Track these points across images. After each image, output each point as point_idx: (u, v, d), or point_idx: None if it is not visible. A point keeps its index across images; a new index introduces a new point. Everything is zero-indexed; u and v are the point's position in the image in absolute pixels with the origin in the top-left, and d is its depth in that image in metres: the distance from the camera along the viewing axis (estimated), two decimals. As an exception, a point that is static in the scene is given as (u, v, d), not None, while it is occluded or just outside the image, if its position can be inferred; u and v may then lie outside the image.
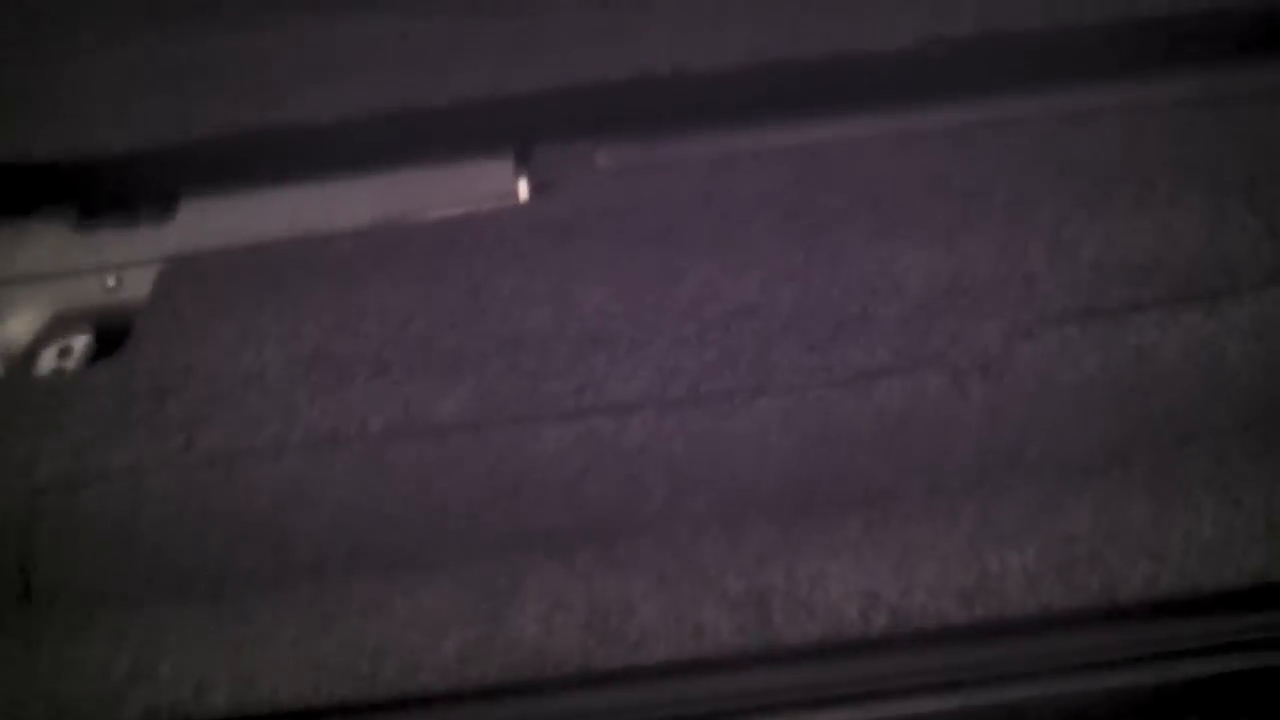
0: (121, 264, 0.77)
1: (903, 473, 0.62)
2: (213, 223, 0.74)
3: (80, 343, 0.76)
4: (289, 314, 0.70)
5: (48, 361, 0.76)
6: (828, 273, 0.69)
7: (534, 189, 0.74)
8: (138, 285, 0.76)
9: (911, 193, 0.73)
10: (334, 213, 0.73)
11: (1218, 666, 0.57)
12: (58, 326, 0.77)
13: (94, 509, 0.66)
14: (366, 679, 0.59)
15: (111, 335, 0.76)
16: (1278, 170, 0.72)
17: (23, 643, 0.61)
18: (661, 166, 0.75)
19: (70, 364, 0.75)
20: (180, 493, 0.66)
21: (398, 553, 0.63)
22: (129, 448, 0.67)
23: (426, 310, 0.70)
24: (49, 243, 0.78)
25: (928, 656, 0.57)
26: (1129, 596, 0.56)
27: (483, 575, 0.61)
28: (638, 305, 0.69)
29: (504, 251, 0.71)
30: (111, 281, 0.77)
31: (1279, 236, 0.70)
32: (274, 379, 0.68)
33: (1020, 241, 0.70)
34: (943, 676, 0.57)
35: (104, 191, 0.80)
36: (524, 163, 0.74)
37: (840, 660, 0.57)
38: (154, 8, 0.80)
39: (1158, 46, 0.78)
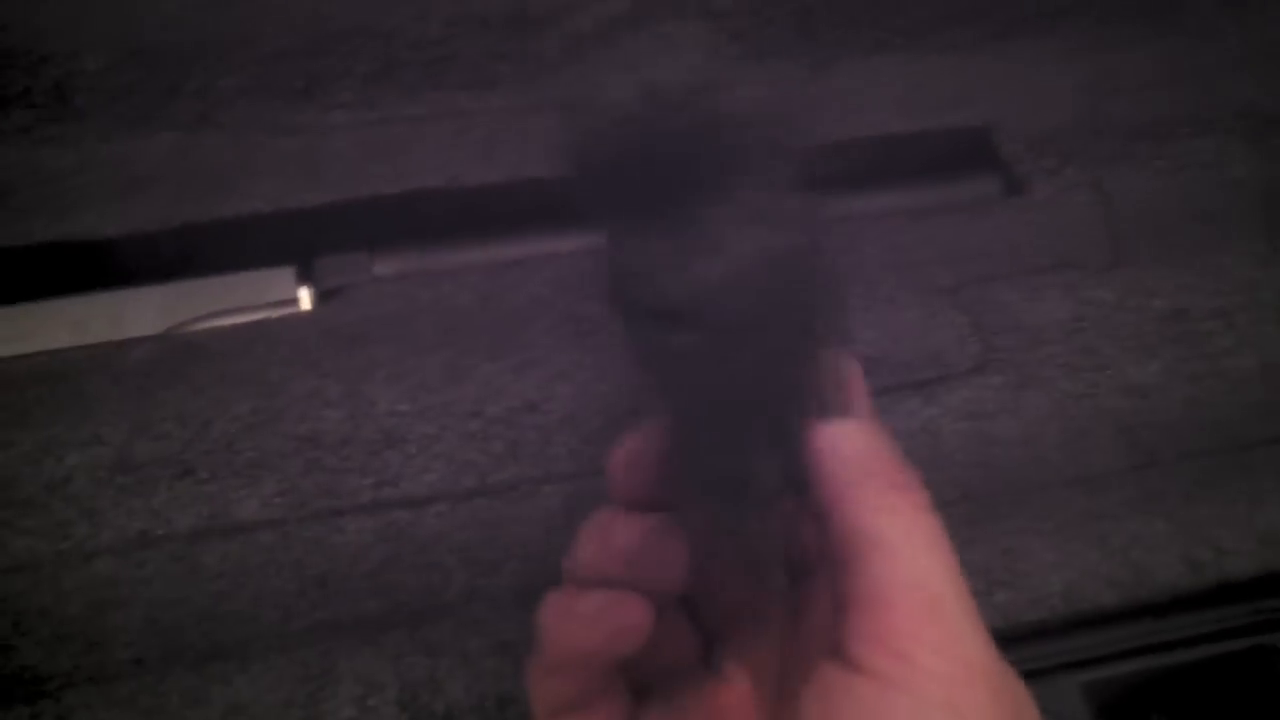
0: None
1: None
2: (2, 332, 0.75)
3: None
4: (88, 421, 0.72)
5: None
6: (598, 372, 0.75)
7: (318, 297, 0.78)
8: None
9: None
10: (124, 322, 0.75)
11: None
12: None
13: (-97, 620, 0.67)
14: (190, 768, 0.63)
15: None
16: (977, 273, 0.83)
17: None
18: (439, 274, 0.79)
19: None
20: (-10, 599, 0.67)
21: (214, 646, 0.66)
22: (-67, 557, 0.68)
23: (225, 413, 0.73)
24: None
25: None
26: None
27: (297, 662, 0.65)
28: (427, 404, 0.74)
29: (296, 357, 0.75)
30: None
31: (981, 331, 0.80)
32: (78, 485, 0.70)
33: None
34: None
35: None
36: (306, 273, 0.78)
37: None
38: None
39: (874, 163, 0.88)
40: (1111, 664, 0.71)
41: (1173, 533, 0.73)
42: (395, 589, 0.68)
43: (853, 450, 0.37)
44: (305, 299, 0.77)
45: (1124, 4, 0.94)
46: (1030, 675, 0.71)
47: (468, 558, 0.69)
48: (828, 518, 0.37)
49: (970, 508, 0.74)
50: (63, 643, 0.66)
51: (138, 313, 0.76)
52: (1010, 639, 0.70)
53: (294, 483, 0.71)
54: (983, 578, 0.71)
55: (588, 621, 0.40)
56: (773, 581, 0.38)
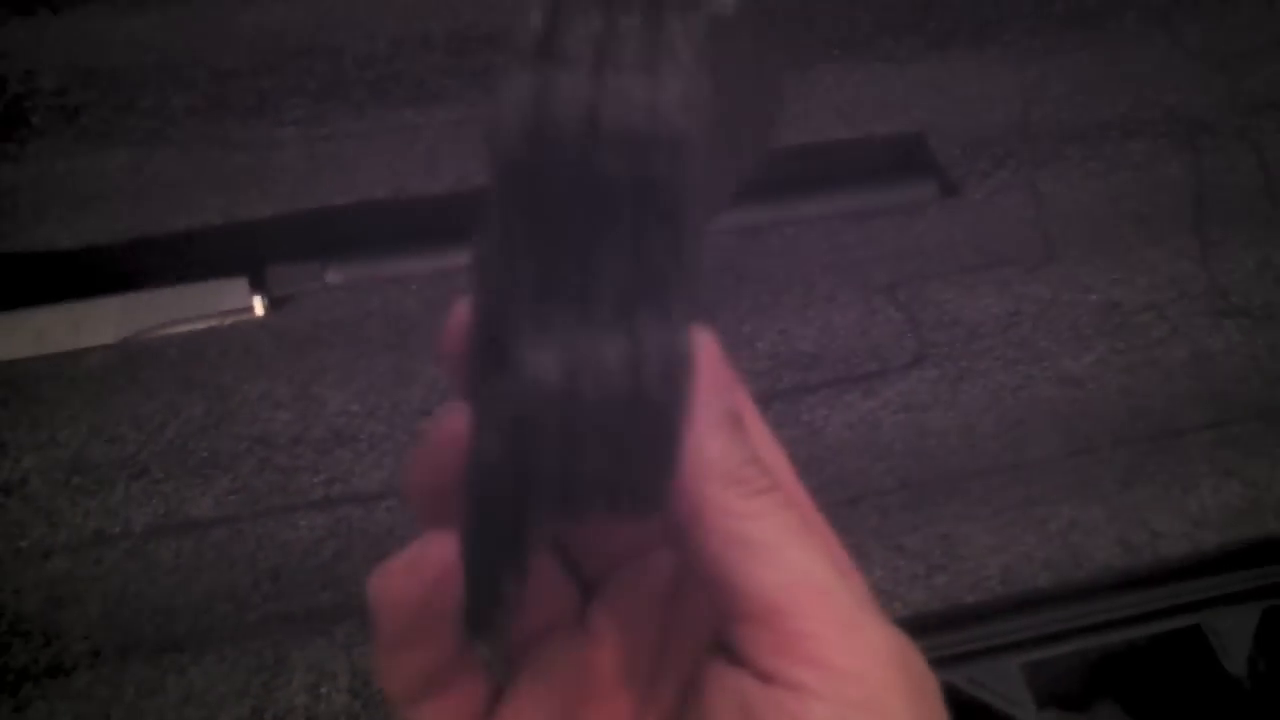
0: None
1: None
2: (-40, 344, 0.77)
3: None
4: (44, 424, 0.73)
5: None
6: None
7: (270, 305, 0.80)
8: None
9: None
10: (79, 331, 0.77)
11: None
12: None
13: None
14: (148, 757, 0.64)
15: None
16: (913, 272, 0.85)
17: None
18: (386, 281, 0.81)
19: None
20: (-52, 597, 0.68)
21: (169, 638, 0.67)
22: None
23: (179, 416, 0.74)
24: None
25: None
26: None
27: (251, 653, 0.66)
28: (376, 405, 0.76)
29: (248, 361, 0.76)
30: None
31: (918, 326, 0.82)
32: (35, 486, 0.71)
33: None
34: None
35: None
36: (259, 281, 0.80)
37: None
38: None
39: (813, 169, 0.91)
40: (1051, 644, 0.73)
41: (1108, 517, 0.75)
42: (347, 581, 0.70)
43: (711, 458, 0.33)
44: (258, 306, 0.79)
45: (1055, 13, 0.97)
46: (971, 656, 0.73)
47: (418, 550, 0.71)
48: (690, 531, 0.33)
49: (909, 495, 0.76)
50: (20, 638, 0.67)
51: (95, 322, 0.78)
52: (950, 621, 0.72)
53: (246, 481, 0.72)
54: (922, 562, 0.72)
55: (405, 571, 0.35)
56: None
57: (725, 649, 0.34)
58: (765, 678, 0.32)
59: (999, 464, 0.77)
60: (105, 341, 0.77)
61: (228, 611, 0.69)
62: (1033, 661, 0.73)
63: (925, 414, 0.79)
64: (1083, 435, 0.79)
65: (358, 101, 0.85)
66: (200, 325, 0.78)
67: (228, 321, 0.78)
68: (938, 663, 0.70)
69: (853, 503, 0.75)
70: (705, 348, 0.33)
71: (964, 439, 0.78)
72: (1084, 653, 0.75)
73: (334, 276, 0.81)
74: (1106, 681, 0.83)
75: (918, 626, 0.70)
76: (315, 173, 0.83)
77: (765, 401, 0.78)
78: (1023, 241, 0.87)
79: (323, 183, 0.83)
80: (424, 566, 0.34)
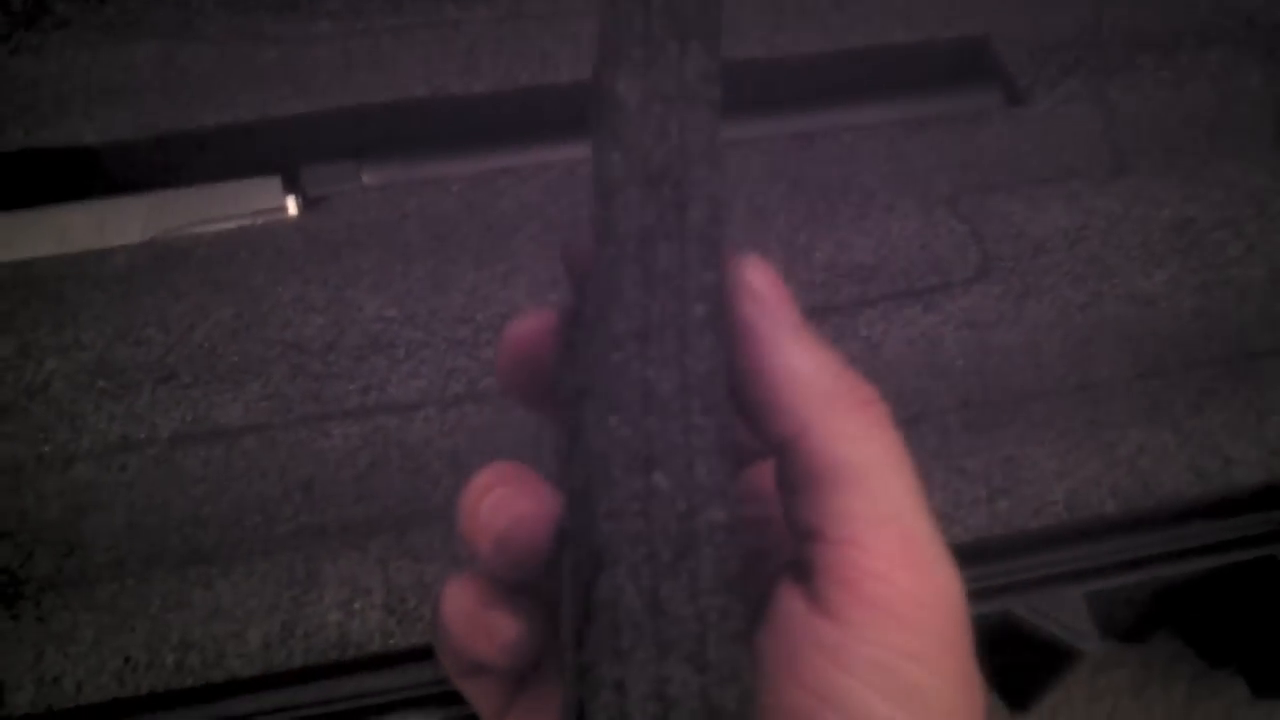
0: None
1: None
2: (-19, 241, 0.74)
3: None
4: (68, 326, 0.70)
5: None
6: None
7: (304, 205, 0.76)
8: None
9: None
10: (105, 231, 0.74)
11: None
12: None
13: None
14: (172, 670, 0.61)
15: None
16: (977, 183, 0.81)
17: None
18: (424, 183, 0.78)
19: None
20: (-33, 503, 0.66)
21: (195, 550, 0.65)
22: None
23: (208, 319, 0.71)
24: None
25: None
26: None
27: (281, 567, 0.64)
28: (414, 311, 0.73)
29: (280, 263, 0.73)
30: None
31: (982, 239, 0.78)
32: (58, 390, 0.69)
33: (759, 249, 0.76)
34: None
35: None
36: (292, 181, 0.77)
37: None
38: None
39: (871, 74, 0.87)
40: (1117, 574, 0.70)
41: (1179, 442, 0.71)
42: (382, 494, 0.67)
43: (806, 375, 0.32)
44: (291, 206, 0.76)
45: (1130, -86, 0.92)
46: (1033, 584, 0.70)
47: (456, 463, 0.68)
48: (788, 442, 0.32)
49: (970, 416, 0.72)
50: (43, 546, 0.64)
51: (121, 221, 0.75)
52: (1011, 547, 0.69)
53: (278, 388, 0.70)
54: (984, 485, 0.69)
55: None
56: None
57: (796, 565, 0.33)
58: (823, 607, 0.31)
59: (1065, 385, 0.74)
60: (132, 241, 0.74)
61: (257, 523, 0.66)
62: (1096, 591, 0.70)
63: (988, 331, 0.75)
64: (1153, 356, 0.75)
65: (396, -6, 0.82)
66: (231, 225, 0.74)
67: (259, 222, 0.75)
68: (997, 590, 0.68)
69: (911, 422, 0.72)
70: (761, 267, 0.33)
71: (1028, 358, 0.74)
72: (1150, 583, 0.72)
73: (370, 177, 0.77)
74: (1166, 612, 0.80)
75: (977, 552, 0.68)
76: (351, 69, 0.80)
77: (822, 315, 0.74)
78: (1092, 153, 0.83)
79: (359, 80, 0.80)
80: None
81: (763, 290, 0.33)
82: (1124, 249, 0.79)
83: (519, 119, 0.81)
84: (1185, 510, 0.71)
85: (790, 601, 0.32)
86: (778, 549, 0.36)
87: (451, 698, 0.60)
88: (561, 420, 0.32)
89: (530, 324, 0.35)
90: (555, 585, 0.32)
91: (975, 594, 0.66)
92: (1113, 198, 0.81)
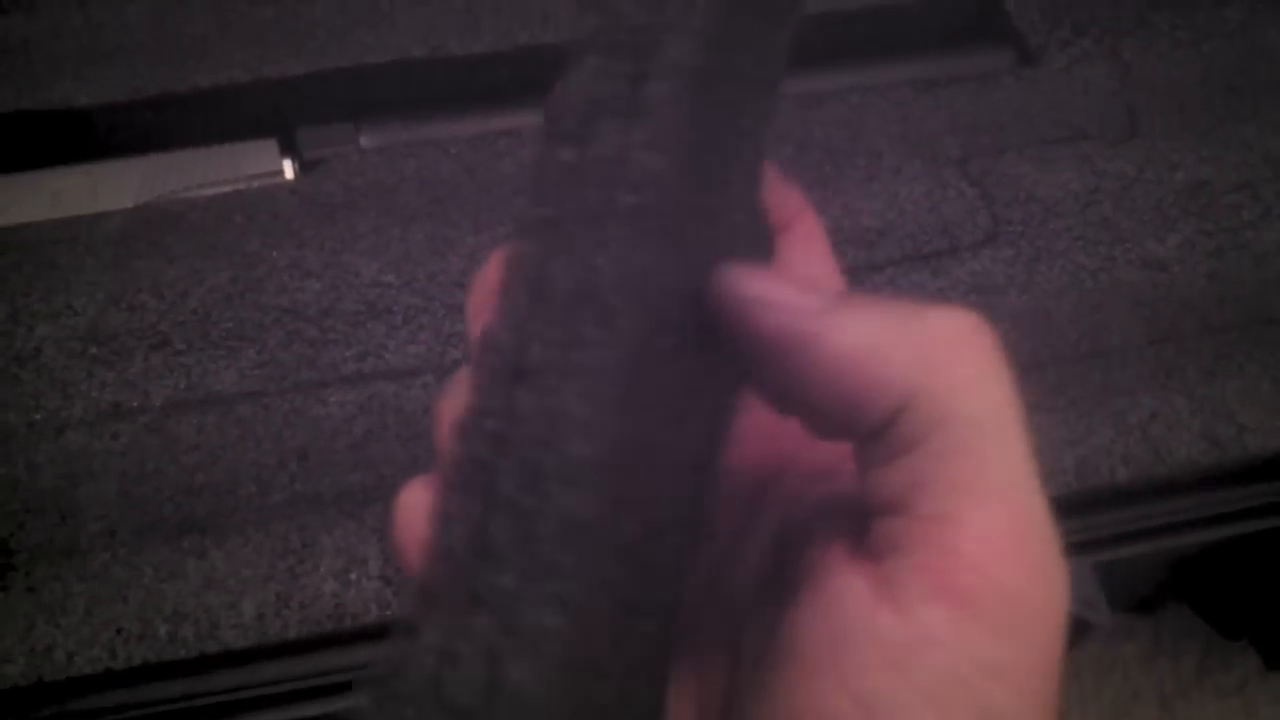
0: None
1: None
2: (-29, 205, 0.73)
3: None
4: (60, 291, 0.69)
5: None
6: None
7: (301, 168, 0.75)
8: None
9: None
10: (98, 195, 0.73)
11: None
12: None
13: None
14: (165, 641, 0.60)
15: None
16: (987, 145, 0.79)
17: None
18: (423, 145, 0.76)
19: None
20: (-42, 471, 0.65)
21: (189, 519, 0.64)
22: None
23: (202, 284, 0.70)
24: None
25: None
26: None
27: (276, 536, 0.63)
28: (411, 276, 0.71)
29: (276, 227, 0.72)
30: None
31: (991, 203, 0.77)
32: (50, 356, 0.68)
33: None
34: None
35: None
36: (289, 143, 0.75)
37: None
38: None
39: (880, 33, 0.85)
40: (1128, 544, 0.68)
41: (1192, 409, 0.70)
42: (378, 462, 0.66)
43: (874, 336, 0.26)
44: (288, 169, 0.75)
45: None
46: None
47: (454, 431, 0.67)
48: (889, 421, 0.26)
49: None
50: (33, 515, 0.63)
51: (114, 185, 0.73)
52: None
53: (273, 354, 0.68)
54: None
55: None
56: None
57: (860, 538, 0.27)
58: (891, 594, 0.25)
59: (1076, 351, 0.72)
60: (125, 205, 0.73)
61: (252, 492, 0.65)
62: (1107, 561, 0.69)
63: (998, 296, 0.74)
64: (1166, 322, 0.74)
65: (394, -50, 0.80)
66: (226, 189, 0.73)
67: (255, 185, 0.74)
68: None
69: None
70: (748, 272, 0.28)
71: (1039, 323, 0.73)
72: (1162, 553, 0.71)
73: (368, 139, 0.76)
74: (1178, 583, 0.79)
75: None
76: (348, 28, 0.78)
77: (827, 280, 0.73)
78: (1105, 115, 0.81)
79: (356, 39, 0.78)
80: None
81: (764, 291, 0.27)
82: (1137, 212, 0.77)
83: (519, 79, 0.80)
84: (1198, 478, 0.69)
85: (846, 578, 0.26)
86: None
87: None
88: None
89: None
90: None
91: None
92: (1126, 160, 0.79)
